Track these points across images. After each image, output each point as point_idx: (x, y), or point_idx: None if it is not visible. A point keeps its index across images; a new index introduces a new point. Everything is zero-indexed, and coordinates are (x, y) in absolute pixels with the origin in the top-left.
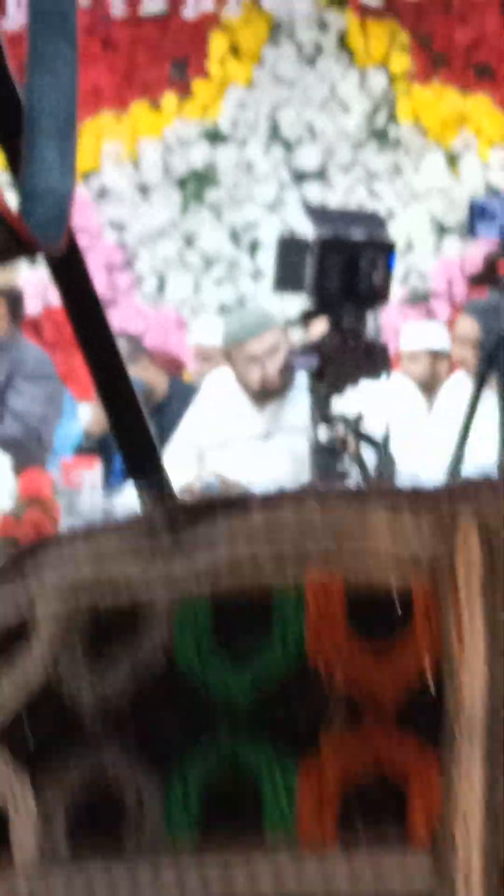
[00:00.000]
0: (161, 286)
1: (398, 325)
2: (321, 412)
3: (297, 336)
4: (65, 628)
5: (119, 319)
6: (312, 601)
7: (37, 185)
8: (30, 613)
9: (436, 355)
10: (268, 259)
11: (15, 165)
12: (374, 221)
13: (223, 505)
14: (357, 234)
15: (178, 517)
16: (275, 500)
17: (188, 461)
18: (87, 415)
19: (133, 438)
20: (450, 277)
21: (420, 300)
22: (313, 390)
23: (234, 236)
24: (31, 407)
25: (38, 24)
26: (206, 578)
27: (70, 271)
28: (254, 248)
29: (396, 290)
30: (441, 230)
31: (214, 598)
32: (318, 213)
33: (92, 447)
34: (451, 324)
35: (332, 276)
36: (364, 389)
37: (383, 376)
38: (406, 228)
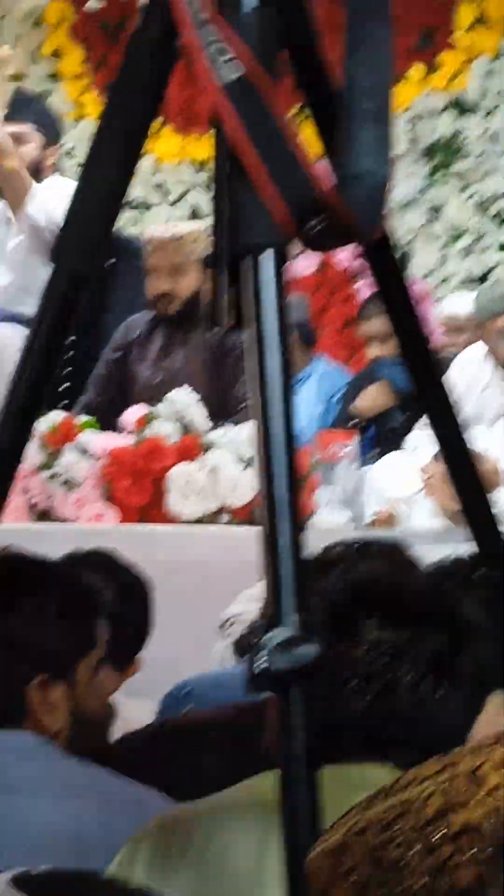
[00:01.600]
0: (407, 258)
1: None
2: None
3: None
4: None
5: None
6: None
7: (353, 169)
8: None
9: None
10: None
11: (331, 150)
12: None
13: None
14: None
15: None
16: None
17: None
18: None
19: (435, 402)
20: None
21: None
22: None
23: (481, 207)
24: None
25: (355, 6)
26: None
27: (384, 256)
28: (501, 219)
29: None
30: None
31: None
32: None
33: (355, 424)
34: None
35: None
36: None
37: None
38: None
